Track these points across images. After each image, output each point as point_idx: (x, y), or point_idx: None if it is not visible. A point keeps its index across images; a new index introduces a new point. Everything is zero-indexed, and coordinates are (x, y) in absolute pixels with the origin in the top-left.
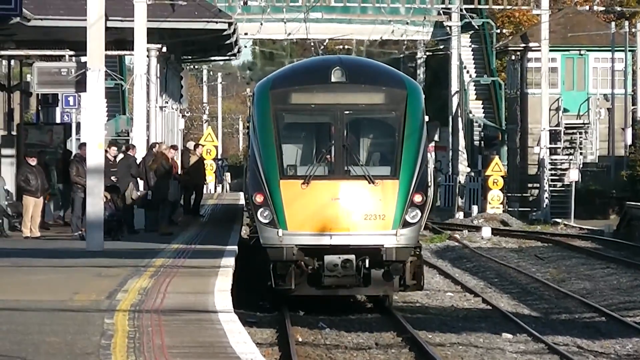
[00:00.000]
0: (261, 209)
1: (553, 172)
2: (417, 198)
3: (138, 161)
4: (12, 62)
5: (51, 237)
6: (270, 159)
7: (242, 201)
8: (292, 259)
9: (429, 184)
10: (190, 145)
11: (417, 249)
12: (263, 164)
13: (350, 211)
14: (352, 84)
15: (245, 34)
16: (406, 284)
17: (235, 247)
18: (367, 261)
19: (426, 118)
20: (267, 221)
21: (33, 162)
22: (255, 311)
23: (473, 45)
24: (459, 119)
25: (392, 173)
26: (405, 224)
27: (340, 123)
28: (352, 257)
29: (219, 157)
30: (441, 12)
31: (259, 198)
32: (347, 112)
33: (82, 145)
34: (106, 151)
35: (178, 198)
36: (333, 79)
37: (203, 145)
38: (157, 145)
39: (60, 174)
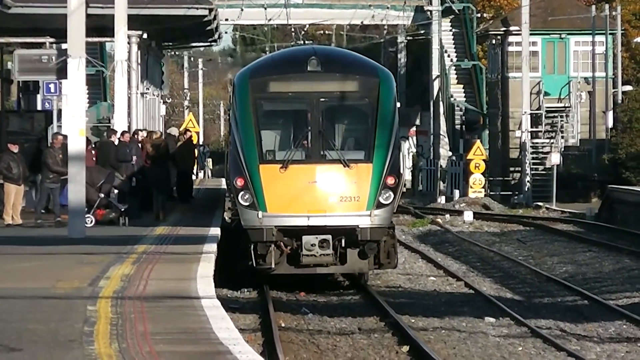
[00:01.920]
0: (242, 193)
1: (534, 155)
2: (390, 180)
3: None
4: None
5: (32, 224)
6: (250, 145)
7: (224, 186)
8: (271, 240)
9: (401, 167)
10: (174, 131)
11: (390, 229)
12: (243, 150)
13: (327, 194)
14: (327, 72)
15: (226, 19)
16: (380, 262)
17: (218, 233)
18: (343, 241)
19: (398, 104)
20: (247, 204)
21: (15, 149)
22: (237, 297)
23: (454, 30)
24: (441, 103)
25: (366, 157)
26: (379, 205)
27: (316, 110)
28: (329, 237)
29: (201, 143)
30: None
31: (239, 182)
32: (322, 99)
33: (56, 135)
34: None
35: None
36: (309, 68)
37: (190, 130)
38: (151, 132)
39: (33, 162)
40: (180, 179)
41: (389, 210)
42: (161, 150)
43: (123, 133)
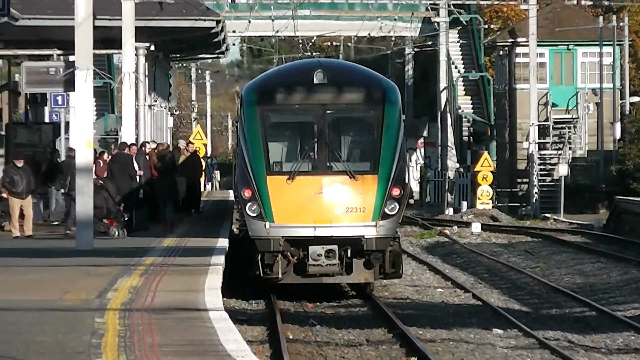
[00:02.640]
0: (249, 203)
1: (542, 167)
2: (395, 191)
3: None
4: (1, 61)
5: (41, 236)
6: (258, 157)
7: (231, 198)
8: (278, 250)
9: (406, 178)
10: (182, 143)
11: (395, 239)
12: (251, 161)
13: (333, 204)
14: (333, 85)
15: (234, 31)
16: (386, 272)
17: (225, 245)
18: (349, 251)
19: (403, 116)
20: (255, 214)
21: (20, 163)
22: (245, 309)
23: (461, 41)
24: (448, 114)
25: (372, 168)
26: (385, 216)
27: (322, 122)
28: (335, 247)
29: (208, 155)
30: (429, 8)
31: (247, 193)
32: (328, 111)
33: (70, 150)
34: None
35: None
36: (315, 81)
37: (193, 143)
38: (160, 145)
39: (48, 174)
40: (188, 191)
41: (395, 221)
42: (167, 161)
43: (130, 145)
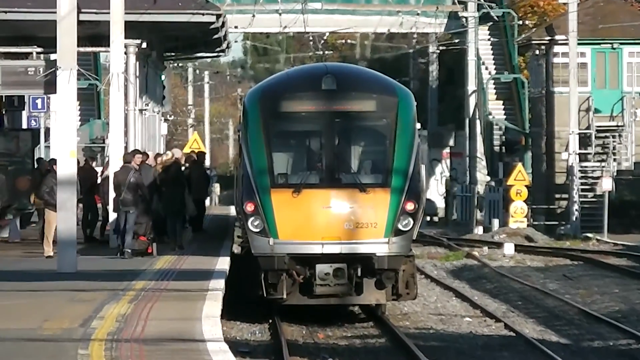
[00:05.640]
0: (252, 218)
1: (583, 181)
2: (409, 206)
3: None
4: None
5: (18, 257)
6: (261, 168)
7: (233, 214)
8: (283, 268)
9: (422, 192)
10: (177, 153)
11: (410, 258)
12: (254, 173)
13: (342, 219)
14: (343, 91)
15: (236, 27)
16: (399, 292)
17: (226, 268)
18: (359, 270)
19: (418, 125)
20: (258, 230)
21: None
22: (248, 339)
23: (492, 39)
24: (477, 121)
25: (384, 181)
26: (397, 232)
27: (330, 131)
28: (344, 265)
29: (207, 166)
30: (456, 1)
31: (250, 207)
32: (337, 119)
33: (52, 161)
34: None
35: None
36: (323, 87)
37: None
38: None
39: (32, 187)
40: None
41: (408, 238)
42: (172, 173)
43: (134, 154)
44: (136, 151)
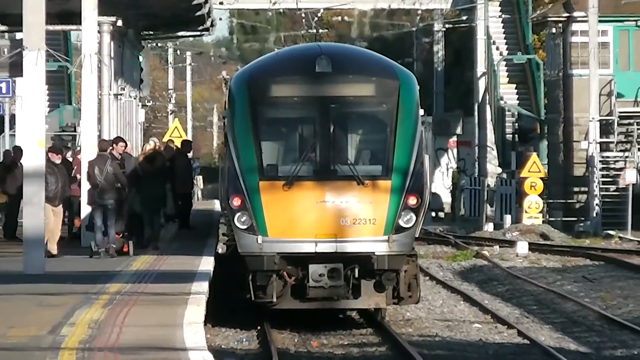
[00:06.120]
0: (239, 214)
1: (605, 172)
2: (412, 200)
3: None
4: None
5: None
6: (249, 159)
7: (217, 209)
8: (273, 269)
9: (425, 185)
10: (153, 141)
11: (412, 257)
12: (240, 164)
13: (338, 215)
14: (339, 74)
15: (221, 2)
16: (400, 296)
17: (209, 269)
18: (356, 270)
19: (421, 111)
20: (245, 227)
21: (57, 159)
22: (234, 348)
23: (504, 16)
24: (487, 107)
25: (384, 173)
26: (399, 229)
27: (325, 118)
28: (340, 265)
29: (190, 156)
30: None
31: (236, 202)
32: (333, 105)
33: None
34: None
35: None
36: (317, 69)
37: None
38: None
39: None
40: (180, 203)
41: (410, 235)
42: (156, 164)
43: (115, 143)
44: (119, 138)
